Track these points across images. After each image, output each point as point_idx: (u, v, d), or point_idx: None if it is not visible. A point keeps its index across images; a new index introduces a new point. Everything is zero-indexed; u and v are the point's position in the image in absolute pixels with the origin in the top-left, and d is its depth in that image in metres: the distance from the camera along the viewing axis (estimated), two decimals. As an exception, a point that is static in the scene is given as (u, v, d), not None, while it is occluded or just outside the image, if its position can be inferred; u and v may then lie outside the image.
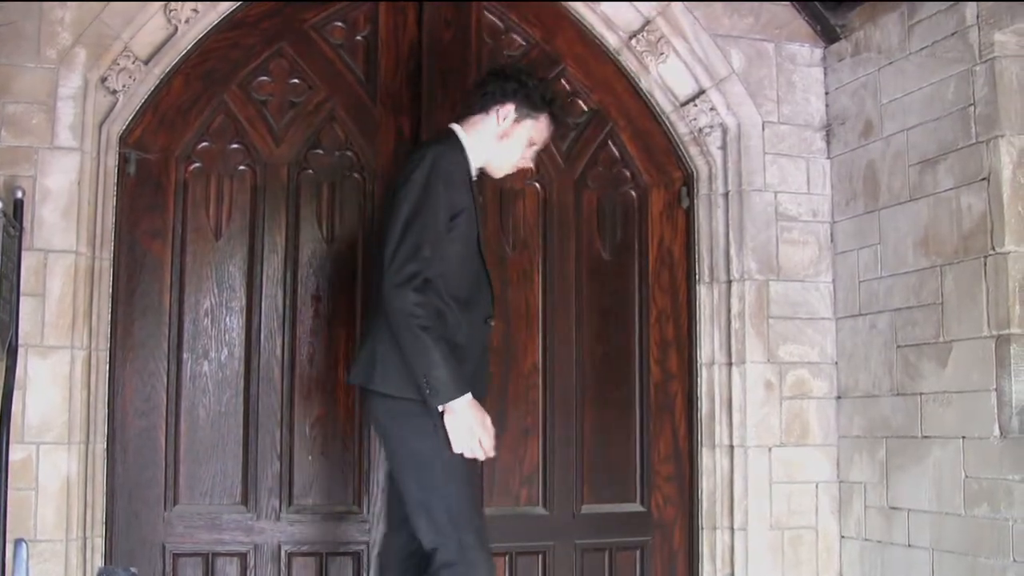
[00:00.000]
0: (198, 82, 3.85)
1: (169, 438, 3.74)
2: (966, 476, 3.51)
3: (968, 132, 3.57)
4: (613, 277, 4.20)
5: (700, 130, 4.24)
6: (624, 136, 4.28)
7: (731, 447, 4.07)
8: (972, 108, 3.56)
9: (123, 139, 3.76)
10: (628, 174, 4.28)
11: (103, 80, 3.67)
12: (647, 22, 4.17)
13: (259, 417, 3.81)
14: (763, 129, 4.21)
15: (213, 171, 3.87)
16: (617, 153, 4.28)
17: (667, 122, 4.29)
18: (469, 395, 2.86)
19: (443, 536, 2.84)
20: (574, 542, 4.05)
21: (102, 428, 3.63)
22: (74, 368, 3.49)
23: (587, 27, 4.24)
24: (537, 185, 4.15)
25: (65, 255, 3.51)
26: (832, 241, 4.23)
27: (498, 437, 3.02)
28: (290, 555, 3.80)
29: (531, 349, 4.08)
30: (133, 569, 3.14)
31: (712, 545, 4.08)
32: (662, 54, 4.19)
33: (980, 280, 3.50)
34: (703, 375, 4.17)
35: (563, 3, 4.19)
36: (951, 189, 3.64)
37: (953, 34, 3.65)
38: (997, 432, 3.41)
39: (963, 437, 3.54)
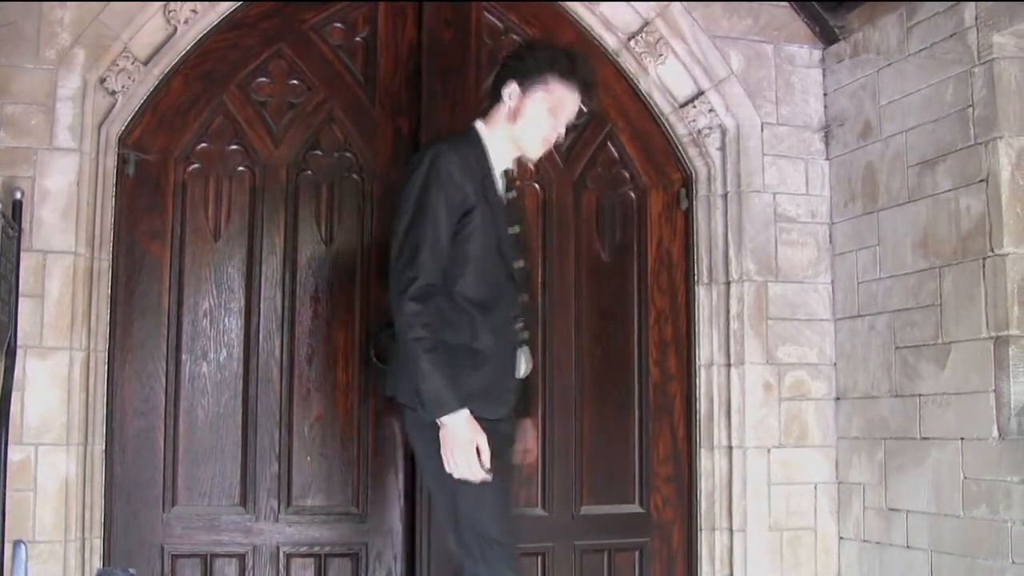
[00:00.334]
0: (197, 83, 3.85)
1: (168, 439, 3.74)
2: (965, 477, 3.52)
3: (967, 133, 3.58)
4: (612, 278, 4.20)
5: (699, 131, 4.24)
6: (623, 137, 4.28)
7: (730, 448, 4.07)
8: (971, 109, 3.57)
9: (122, 140, 3.75)
10: (627, 175, 4.28)
11: (102, 81, 3.67)
12: (646, 23, 4.17)
13: (258, 418, 3.80)
14: (762, 130, 4.21)
15: (212, 172, 3.87)
16: (616, 154, 4.28)
17: (666, 123, 4.30)
18: (463, 412, 2.73)
19: (468, 549, 2.78)
20: (573, 543, 4.05)
21: (101, 429, 3.63)
22: (73, 369, 3.49)
23: (586, 28, 4.24)
24: (536, 186, 4.15)
25: (64, 256, 3.51)
26: (831, 242, 4.23)
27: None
28: (289, 556, 3.80)
29: (530, 350, 4.07)
30: (132, 570, 3.13)
31: (711, 546, 4.08)
32: (661, 55, 4.19)
33: (979, 281, 3.51)
34: (702, 376, 4.17)
35: (562, 4, 4.20)
36: (950, 190, 3.64)
37: (952, 36, 3.65)
38: (996, 433, 3.41)
39: (962, 438, 3.54)
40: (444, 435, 2.73)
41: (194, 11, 3.78)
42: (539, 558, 3.99)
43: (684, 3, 4.18)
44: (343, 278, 3.93)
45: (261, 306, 3.85)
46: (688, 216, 4.28)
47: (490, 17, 4.15)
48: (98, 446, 3.62)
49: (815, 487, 4.11)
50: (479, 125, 3.00)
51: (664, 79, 4.24)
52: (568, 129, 4.03)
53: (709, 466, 4.11)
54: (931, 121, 3.74)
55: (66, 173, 3.53)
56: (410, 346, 2.74)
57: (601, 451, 4.12)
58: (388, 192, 3.96)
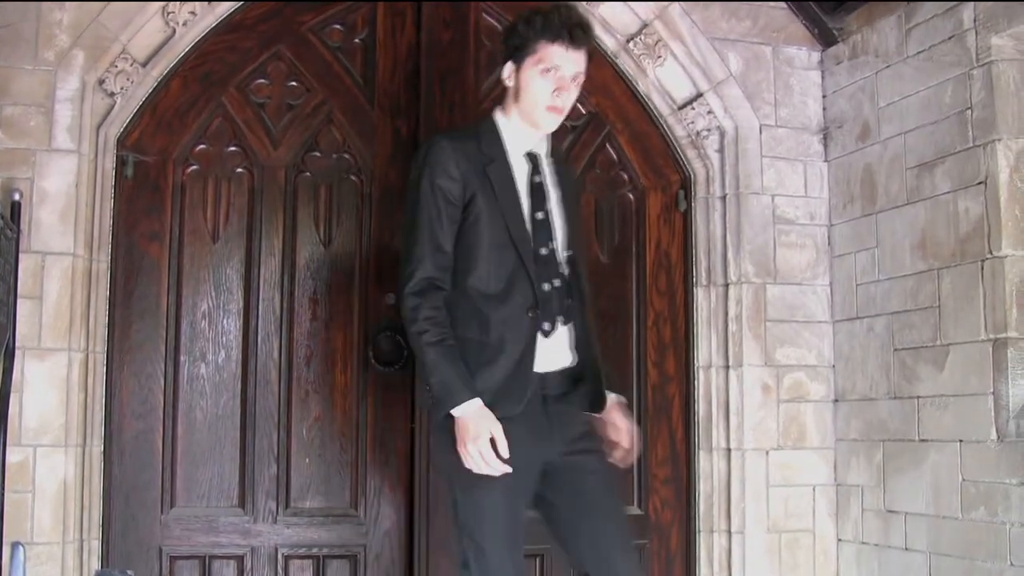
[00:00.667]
0: (196, 84, 3.85)
1: (166, 440, 3.73)
2: (963, 480, 3.52)
3: (965, 136, 3.58)
4: (611, 280, 4.20)
5: (697, 133, 4.24)
6: (622, 139, 4.28)
7: (728, 450, 4.07)
8: (969, 112, 3.57)
9: (121, 141, 3.75)
10: (626, 177, 4.28)
11: (101, 82, 3.67)
12: (644, 25, 4.17)
13: (256, 419, 3.80)
14: (760, 132, 4.21)
15: (211, 173, 3.87)
16: (615, 156, 4.28)
17: (664, 125, 4.29)
18: (474, 401, 2.62)
19: (462, 557, 2.68)
20: (571, 545, 4.04)
21: (99, 430, 3.63)
22: (71, 370, 3.49)
23: (584, 30, 4.23)
24: (535, 188, 4.14)
25: (62, 257, 3.51)
26: (829, 244, 4.23)
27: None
28: (287, 558, 3.80)
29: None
30: (130, 572, 3.13)
31: (709, 548, 4.08)
32: (659, 57, 4.19)
33: (977, 284, 3.51)
34: (700, 378, 4.17)
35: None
36: (948, 192, 3.65)
37: (950, 38, 3.65)
38: (994, 436, 3.41)
39: (960, 441, 3.54)
40: (458, 427, 2.62)
41: (193, 13, 3.79)
42: (538, 560, 3.98)
43: (683, 5, 4.18)
44: (342, 279, 3.93)
45: (259, 307, 3.85)
46: (687, 218, 4.28)
47: (489, 18, 4.15)
48: (96, 447, 3.62)
49: (813, 489, 4.11)
50: (496, 113, 2.93)
51: (663, 81, 4.24)
52: (567, 130, 4.05)
53: (708, 468, 4.11)
54: (930, 123, 3.74)
55: (65, 174, 3.53)
56: (414, 341, 2.68)
57: (600, 453, 4.11)
58: (387, 193, 3.97)
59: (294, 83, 3.97)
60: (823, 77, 4.31)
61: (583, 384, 2.87)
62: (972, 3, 3.56)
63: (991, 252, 3.46)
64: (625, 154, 4.27)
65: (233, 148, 3.89)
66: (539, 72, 2.79)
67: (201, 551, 3.73)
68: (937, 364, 3.66)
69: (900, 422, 3.81)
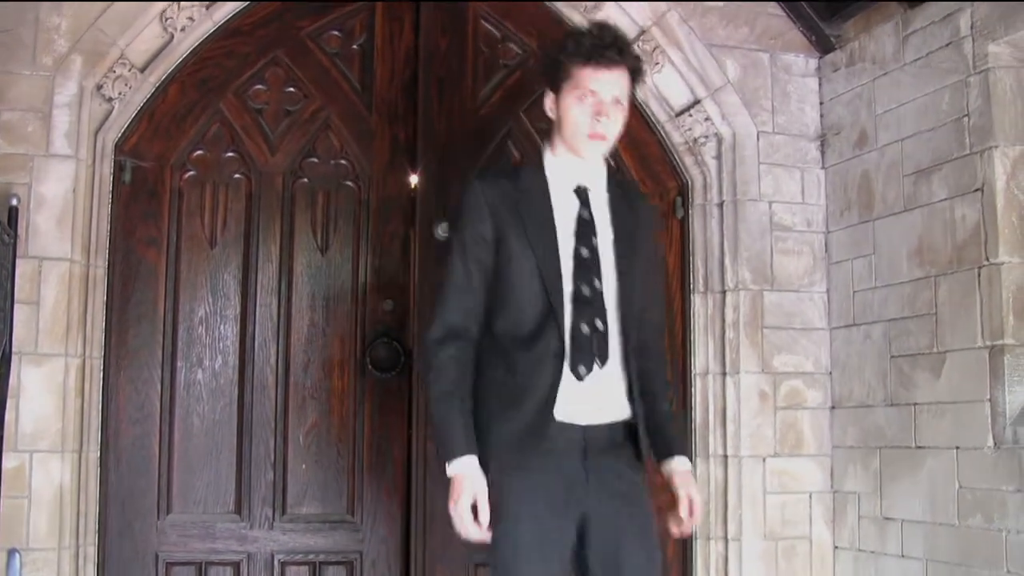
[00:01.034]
0: (194, 90, 3.86)
1: (163, 446, 3.74)
2: (960, 487, 3.51)
3: (962, 143, 3.58)
4: (608, 286, 4.19)
5: (695, 140, 4.24)
6: (619, 145, 4.24)
7: (725, 457, 4.06)
8: (966, 119, 3.57)
9: (118, 147, 3.76)
10: (623, 183, 4.28)
11: (99, 88, 3.67)
12: (642, 32, 4.17)
13: (253, 426, 3.80)
14: (758, 139, 4.22)
15: (208, 179, 3.87)
16: (612, 162, 4.26)
17: (662, 132, 4.29)
18: (464, 459, 2.50)
19: None
20: (568, 551, 4.03)
21: (96, 436, 3.63)
22: (68, 376, 3.49)
23: (583, 37, 4.24)
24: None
25: (60, 263, 3.51)
26: (826, 251, 4.23)
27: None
28: (283, 564, 3.79)
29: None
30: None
31: (706, 555, 4.07)
32: (657, 64, 4.19)
33: (974, 291, 3.51)
34: (697, 385, 4.17)
35: (559, 12, 4.20)
36: (945, 199, 3.65)
37: (947, 45, 3.66)
38: (991, 443, 3.41)
39: (957, 447, 3.54)
40: (450, 485, 2.52)
41: (191, 18, 3.79)
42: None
43: (681, 11, 4.18)
44: (339, 286, 3.93)
45: (257, 313, 3.85)
46: (684, 225, 4.28)
47: (487, 25, 4.16)
48: (93, 453, 3.61)
49: (810, 496, 4.11)
50: (544, 147, 2.76)
51: (660, 87, 4.24)
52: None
53: (704, 475, 4.10)
54: (927, 130, 3.74)
55: (62, 180, 3.53)
56: (428, 389, 2.61)
57: (597, 459, 4.11)
58: (384, 200, 3.97)
59: (292, 89, 3.97)
60: (820, 84, 4.32)
61: (640, 439, 2.66)
62: (969, 10, 3.56)
63: (988, 259, 3.47)
64: (622, 161, 4.26)
65: (231, 154, 3.90)
66: (576, 99, 2.60)
67: (197, 557, 3.73)
68: (934, 371, 3.66)
69: (897, 429, 3.81)
